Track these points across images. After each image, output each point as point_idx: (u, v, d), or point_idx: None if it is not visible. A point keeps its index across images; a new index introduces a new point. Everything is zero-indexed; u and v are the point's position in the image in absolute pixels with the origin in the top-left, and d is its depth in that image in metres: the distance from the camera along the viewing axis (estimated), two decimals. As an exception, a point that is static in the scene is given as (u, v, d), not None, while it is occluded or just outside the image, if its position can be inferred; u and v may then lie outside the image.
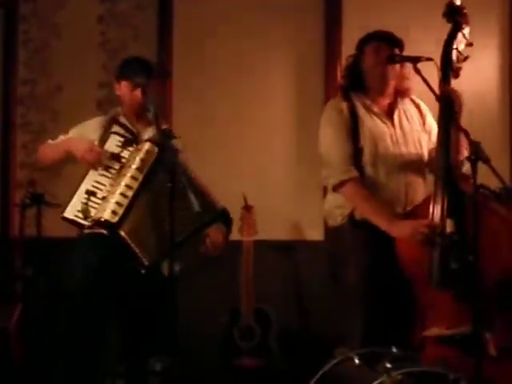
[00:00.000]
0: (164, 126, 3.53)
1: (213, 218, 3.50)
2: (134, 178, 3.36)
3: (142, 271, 3.34)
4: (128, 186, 3.35)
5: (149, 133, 3.55)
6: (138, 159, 3.39)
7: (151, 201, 3.37)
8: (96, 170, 3.41)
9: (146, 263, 3.33)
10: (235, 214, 4.80)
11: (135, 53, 4.58)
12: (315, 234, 5.03)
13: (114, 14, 5.43)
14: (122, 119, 3.60)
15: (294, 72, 5.24)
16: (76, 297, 3.44)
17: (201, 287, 4.87)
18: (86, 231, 3.41)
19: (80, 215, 3.33)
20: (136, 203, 3.34)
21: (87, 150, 3.40)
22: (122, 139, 3.45)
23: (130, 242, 3.31)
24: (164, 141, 3.34)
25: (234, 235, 4.80)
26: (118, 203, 3.31)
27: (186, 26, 5.32)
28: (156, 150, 3.39)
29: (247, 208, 4.84)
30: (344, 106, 3.46)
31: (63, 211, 3.37)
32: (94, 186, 3.38)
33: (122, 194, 3.34)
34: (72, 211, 3.36)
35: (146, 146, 3.41)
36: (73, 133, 3.65)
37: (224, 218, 3.55)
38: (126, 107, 3.64)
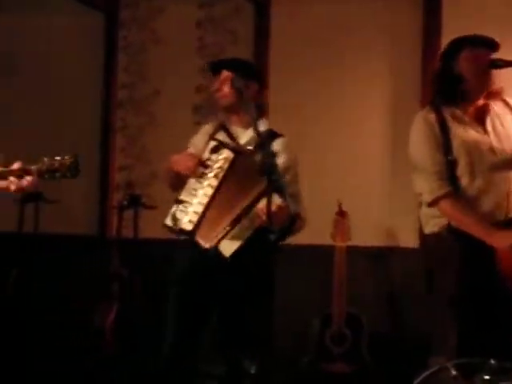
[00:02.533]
0: (263, 128, 3.53)
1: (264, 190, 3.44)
2: (210, 185, 3.42)
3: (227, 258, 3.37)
4: (205, 194, 3.42)
5: (247, 135, 3.56)
6: (216, 166, 3.44)
7: (225, 203, 3.41)
8: (193, 177, 3.47)
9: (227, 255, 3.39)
10: (329, 219, 4.81)
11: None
12: (409, 240, 4.97)
13: (212, 19, 5.51)
14: (227, 124, 3.62)
15: (389, 75, 5.20)
16: (173, 302, 3.51)
17: (294, 292, 4.88)
18: (181, 238, 3.49)
19: (170, 223, 3.44)
20: (209, 210, 3.41)
21: (179, 162, 3.48)
22: (214, 145, 3.49)
23: (203, 244, 3.39)
24: (261, 143, 3.36)
25: (327, 240, 4.80)
26: (195, 212, 3.41)
27: (282, 30, 5.35)
28: (231, 155, 3.42)
29: (341, 213, 4.82)
30: (433, 117, 3.34)
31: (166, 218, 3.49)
32: (189, 193, 3.45)
33: (199, 203, 3.41)
34: (169, 219, 3.46)
35: (224, 152, 3.45)
36: (191, 142, 3.72)
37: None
38: (226, 110, 3.65)
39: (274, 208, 3.10)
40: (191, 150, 3.62)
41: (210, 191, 3.41)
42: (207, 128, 3.66)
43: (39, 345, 5.24)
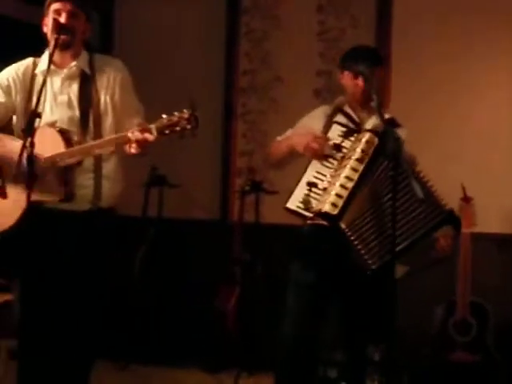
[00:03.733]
0: (387, 115, 3.48)
1: (441, 221, 3.37)
2: (354, 169, 3.30)
3: (368, 273, 3.28)
4: (348, 178, 3.29)
5: (372, 122, 3.51)
6: (358, 150, 3.32)
7: (372, 193, 3.31)
8: (318, 160, 3.39)
9: (373, 266, 3.28)
10: (453, 204, 4.69)
11: (353, 41, 4.58)
12: (537, 227, 4.82)
13: (333, 3, 5.46)
14: (347, 108, 3.55)
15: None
16: (296, 289, 3.49)
17: (417, 279, 4.80)
18: (309, 222, 3.41)
19: (302, 206, 3.33)
20: (356, 195, 3.30)
21: (310, 141, 3.39)
22: (344, 129, 3.41)
23: (350, 235, 3.28)
24: (387, 130, 3.29)
25: (451, 226, 4.70)
26: (338, 195, 3.26)
27: (405, 13, 5.24)
28: (376, 140, 3.34)
29: (466, 199, 4.70)
30: None
31: (286, 201, 3.39)
32: (315, 177, 3.36)
33: (342, 186, 3.28)
34: (294, 202, 3.35)
35: (367, 135, 3.36)
36: (300, 124, 3.66)
37: (452, 219, 3.41)
38: (350, 96, 3.62)
39: (450, 243, 3.09)
40: (301, 131, 3.56)
41: (354, 175, 3.31)
42: (323, 110, 3.60)
43: (161, 327, 5.37)
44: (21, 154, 2.90)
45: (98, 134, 3.28)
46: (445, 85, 5.13)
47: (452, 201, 4.62)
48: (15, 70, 3.37)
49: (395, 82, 5.13)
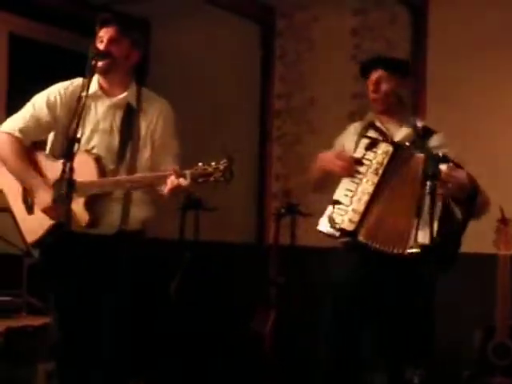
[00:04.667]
0: (419, 123, 3.45)
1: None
2: (370, 182, 3.31)
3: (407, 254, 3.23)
4: (364, 192, 3.30)
5: (402, 132, 3.49)
6: (374, 162, 3.32)
7: (389, 201, 3.31)
8: (346, 176, 3.39)
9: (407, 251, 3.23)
10: (491, 226, 4.64)
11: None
12: None
13: (368, 27, 5.47)
14: (377, 122, 3.50)
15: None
16: (332, 312, 3.47)
17: (454, 302, 4.75)
18: (341, 241, 3.41)
19: (328, 225, 3.33)
20: (373, 207, 3.30)
21: (334, 159, 3.38)
22: (367, 142, 3.39)
23: (371, 244, 3.28)
24: (416, 139, 3.27)
25: (489, 248, 4.64)
26: (354, 210, 3.29)
27: (441, 36, 5.23)
28: (391, 149, 3.33)
29: (504, 221, 4.65)
30: None
31: (318, 223, 3.40)
32: (344, 194, 3.36)
33: (359, 200, 3.30)
34: (324, 223, 3.37)
35: (382, 146, 3.35)
36: (336, 143, 3.66)
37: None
38: (372, 108, 3.59)
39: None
40: (338, 149, 3.55)
41: (369, 188, 3.30)
42: (354, 127, 3.58)
43: (197, 350, 5.37)
44: (60, 178, 2.94)
45: (132, 167, 3.30)
46: (480, 104, 5.10)
47: (489, 222, 4.61)
48: (64, 88, 3.40)
49: (430, 106, 5.11)
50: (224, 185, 2.98)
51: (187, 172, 3.01)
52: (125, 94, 3.36)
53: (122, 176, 3.25)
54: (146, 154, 3.35)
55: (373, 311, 3.44)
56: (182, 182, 3.01)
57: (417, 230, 3.16)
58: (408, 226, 3.21)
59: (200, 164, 3.01)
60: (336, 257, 3.52)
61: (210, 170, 2.97)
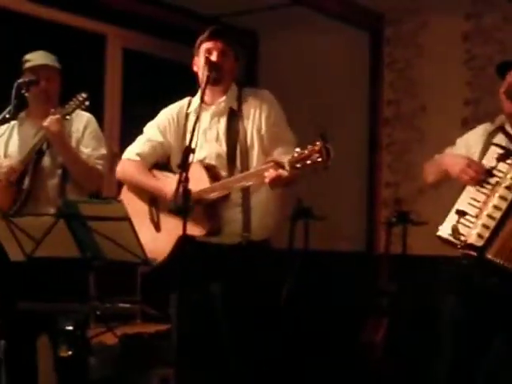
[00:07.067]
0: None
1: None
2: (503, 197, 3.15)
3: None
4: (496, 207, 3.13)
5: None
6: (509, 176, 3.17)
7: None
8: (473, 186, 3.26)
9: None
10: None
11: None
12: None
13: (480, 30, 5.35)
14: (508, 127, 3.30)
15: None
16: (452, 326, 3.35)
17: None
18: (461, 251, 3.29)
19: (451, 234, 3.21)
20: (505, 225, 3.15)
21: (465, 166, 3.20)
22: (500, 151, 3.19)
23: (499, 262, 3.14)
24: None
25: None
26: (484, 226, 3.13)
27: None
28: None
29: None
30: None
31: (439, 229, 3.29)
32: (469, 204, 3.22)
33: (490, 216, 3.11)
34: (446, 230, 3.25)
35: None
36: (460, 142, 3.50)
37: None
38: (507, 117, 3.42)
39: None
40: (462, 150, 3.37)
41: (502, 204, 3.12)
42: (483, 129, 3.37)
43: (306, 360, 5.36)
44: (177, 189, 3.00)
45: (245, 168, 3.32)
46: None
47: None
48: (171, 111, 3.49)
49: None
50: (324, 166, 2.93)
51: (285, 161, 3.00)
52: (223, 97, 3.39)
53: (226, 178, 3.29)
54: (255, 152, 3.36)
55: (498, 324, 3.29)
56: (282, 172, 3.01)
57: None
58: None
59: (297, 149, 2.99)
60: (457, 268, 3.37)
61: (306, 152, 2.94)
